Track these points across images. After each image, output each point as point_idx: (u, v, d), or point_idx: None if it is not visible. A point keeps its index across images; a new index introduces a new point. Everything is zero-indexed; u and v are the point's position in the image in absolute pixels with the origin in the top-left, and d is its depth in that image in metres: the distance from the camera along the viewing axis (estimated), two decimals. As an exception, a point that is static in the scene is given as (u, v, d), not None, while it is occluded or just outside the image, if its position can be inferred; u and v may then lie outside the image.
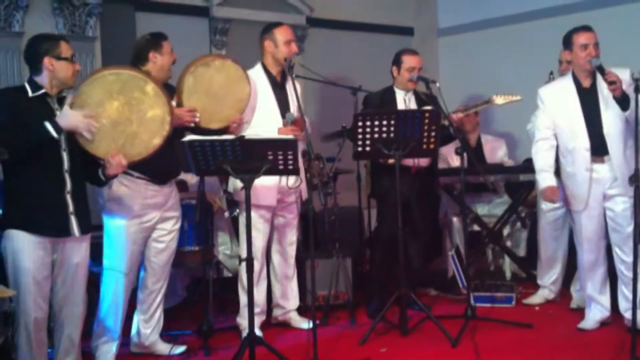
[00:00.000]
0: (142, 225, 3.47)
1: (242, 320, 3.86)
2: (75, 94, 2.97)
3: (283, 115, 3.93)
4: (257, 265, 3.94)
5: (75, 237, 3.01)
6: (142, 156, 3.11)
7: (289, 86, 4.01)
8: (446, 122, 4.07)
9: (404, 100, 4.37)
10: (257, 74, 3.97)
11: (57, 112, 2.98)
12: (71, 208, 2.99)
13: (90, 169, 3.07)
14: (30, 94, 2.97)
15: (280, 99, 3.98)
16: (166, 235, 3.59)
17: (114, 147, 3.01)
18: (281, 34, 3.94)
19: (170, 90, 3.59)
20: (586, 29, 3.76)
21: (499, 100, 4.28)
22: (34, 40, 3.06)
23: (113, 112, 3.00)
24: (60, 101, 3.03)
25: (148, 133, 3.07)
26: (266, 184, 3.76)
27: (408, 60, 4.35)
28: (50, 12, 4.54)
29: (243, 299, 3.89)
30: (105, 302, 3.47)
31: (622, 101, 3.57)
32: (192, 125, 3.54)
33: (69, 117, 2.91)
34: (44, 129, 2.86)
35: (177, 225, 3.66)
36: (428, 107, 4.20)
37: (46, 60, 2.96)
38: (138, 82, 3.05)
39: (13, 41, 4.39)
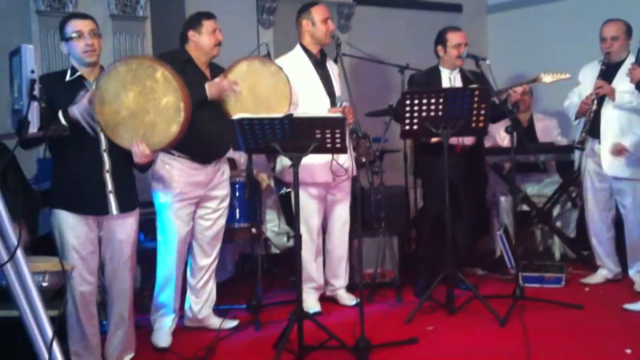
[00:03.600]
0: (184, 203, 3.51)
1: (304, 295, 3.90)
2: (94, 89, 2.95)
3: (328, 93, 3.96)
4: (313, 243, 4.02)
5: (114, 215, 3.04)
6: (163, 144, 3.06)
7: (329, 64, 4.04)
8: (502, 97, 4.04)
9: (449, 79, 4.33)
10: (297, 55, 4.03)
11: None
12: (110, 187, 3.02)
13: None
14: (68, 77, 3.00)
15: (324, 76, 4.01)
16: (211, 213, 3.63)
17: (136, 138, 2.98)
18: (317, 13, 3.98)
19: (217, 70, 3.61)
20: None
21: (546, 78, 4.19)
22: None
23: (130, 103, 2.96)
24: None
25: (165, 121, 3.00)
26: (320, 162, 3.80)
27: (453, 38, 4.30)
28: (103, -8, 4.61)
29: (306, 273, 3.94)
30: (158, 277, 3.55)
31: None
32: (231, 95, 3.50)
33: (75, 109, 2.89)
34: (60, 116, 2.86)
35: (224, 204, 3.68)
36: (475, 85, 4.16)
37: (62, 44, 3.02)
38: (147, 70, 2.98)
39: (67, 22, 4.47)
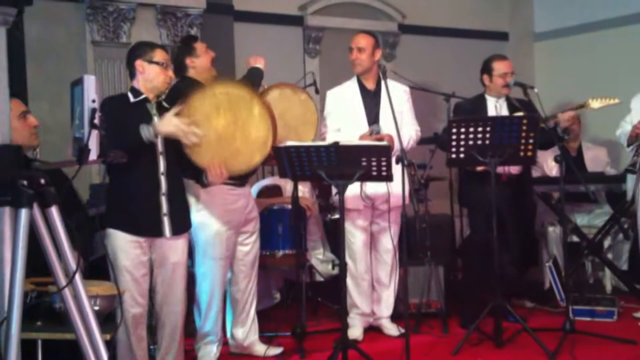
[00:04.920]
0: (230, 232, 3.53)
1: (349, 320, 3.89)
2: (184, 104, 3.03)
3: (370, 122, 4.00)
4: (356, 270, 4.01)
5: (167, 237, 3.08)
6: (242, 171, 3.18)
7: (392, 92, 4.01)
8: (550, 124, 3.98)
9: (495, 107, 4.30)
10: (349, 84, 4.11)
11: (155, 118, 3.06)
12: (165, 209, 3.07)
13: (192, 170, 3.13)
14: (131, 99, 3.08)
15: (370, 106, 4.03)
16: (249, 237, 3.66)
17: (217, 160, 3.06)
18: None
19: None
20: None
21: (595, 104, 4.10)
22: (133, 45, 3.24)
23: (219, 127, 3.05)
24: (159, 107, 3.12)
25: (250, 151, 3.11)
26: (351, 190, 3.73)
27: (499, 67, 4.29)
28: (155, 23, 4.75)
29: (349, 300, 3.94)
30: (202, 306, 3.55)
31: None
32: None
33: (169, 123, 2.96)
34: (140, 132, 2.92)
35: (258, 226, 3.71)
36: (521, 113, 4.13)
37: (138, 62, 3.08)
38: (246, 103, 3.09)
39: (120, 51, 4.60)
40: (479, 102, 4.36)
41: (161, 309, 3.18)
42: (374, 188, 3.89)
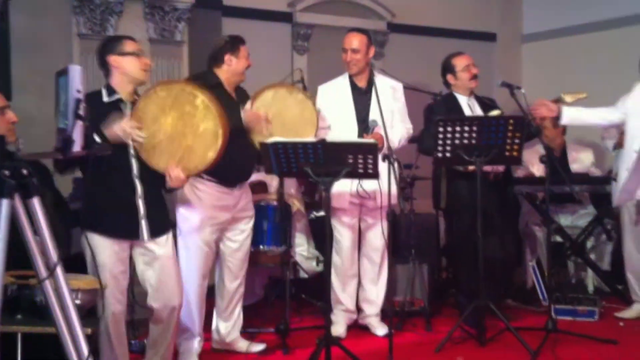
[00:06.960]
0: (214, 227, 3.51)
1: (333, 317, 3.90)
2: (132, 110, 2.97)
3: (360, 120, 3.98)
4: (342, 267, 4.01)
5: (145, 241, 3.03)
6: (199, 170, 3.07)
7: (383, 90, 4.02)
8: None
9: (469, 106, 4.32)
10: (339, 82, 4.09)
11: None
12: (142, 212, 3.01)
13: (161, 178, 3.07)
14: (105, 98, 3.01)
15: (360, 104, 4.02)
16: (239, 234, 3.64)
17: (172, 161, 2.98)
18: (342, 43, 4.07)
19: (242, 94, 3.66)
20: None
21: (568, 98, 4.17)
22: (100, 44, 3.11)
23: (168, 127, 2.97)
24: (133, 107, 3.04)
25: (202, 147, 3.00)
26: (339, 188, 3.77)
27: (459, 62, 4.32)
28: (142, 17, 4.71)
29: (334, 296, 3.96)
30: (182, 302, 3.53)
31: None
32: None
33: (113, 126, 2.89)
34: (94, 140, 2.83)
35: (250, 224, 3.69)
36: (495, 112, 4.17)
37: (111, 59, 3.00)
38: (187, 96, 2.98)
39: (107, 45, 4.59)
40: (452, 101, 4.36)
41: (154, 304, 3.10)
42: (367, 185, 3.84)
